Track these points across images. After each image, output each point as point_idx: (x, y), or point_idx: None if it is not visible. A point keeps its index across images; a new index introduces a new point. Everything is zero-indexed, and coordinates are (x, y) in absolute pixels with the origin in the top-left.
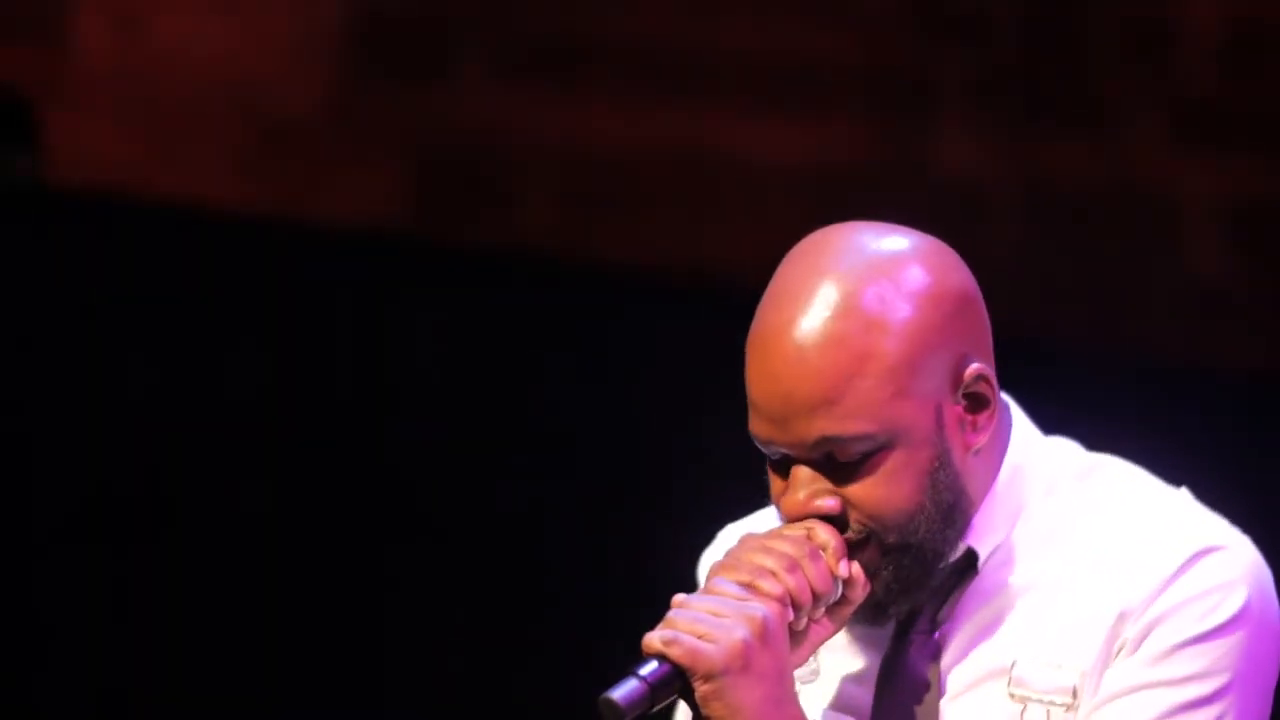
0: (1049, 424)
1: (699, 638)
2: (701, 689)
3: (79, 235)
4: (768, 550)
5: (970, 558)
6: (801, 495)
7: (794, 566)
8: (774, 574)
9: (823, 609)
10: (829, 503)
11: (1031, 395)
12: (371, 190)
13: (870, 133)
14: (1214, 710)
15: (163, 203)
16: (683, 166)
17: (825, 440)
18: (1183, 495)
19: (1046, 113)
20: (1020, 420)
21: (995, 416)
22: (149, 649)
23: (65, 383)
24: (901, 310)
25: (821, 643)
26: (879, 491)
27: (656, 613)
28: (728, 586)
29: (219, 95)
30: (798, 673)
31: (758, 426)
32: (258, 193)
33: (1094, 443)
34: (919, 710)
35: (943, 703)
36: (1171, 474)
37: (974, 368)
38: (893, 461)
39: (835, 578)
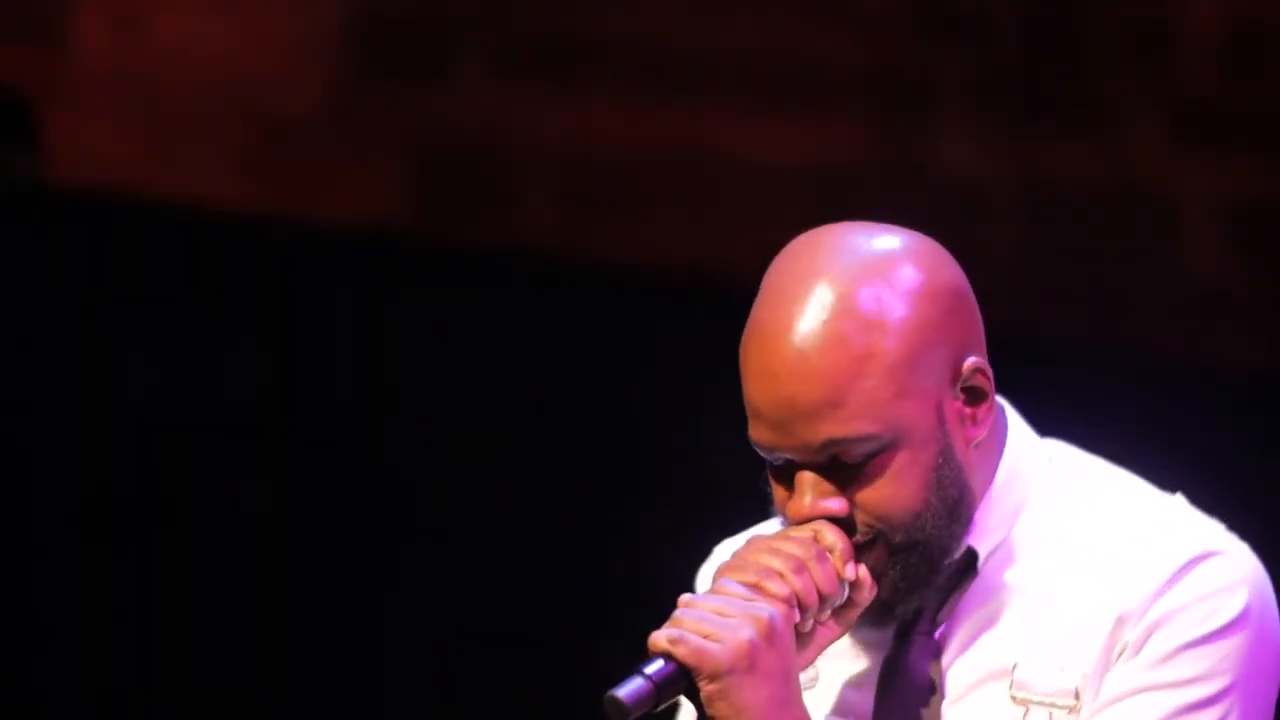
0: (1049, 424)
1: (705, 637)
2: (707, 689)
3: (79, 235)
4: (774, 551)
5: (970, 557)
6: (807, 499)
7: (801, 568)
8: (781, 575)
9: (829, 611)
10: (836, 505)
11: (1031, 395)
12: (371, 190)
13: (870, 133)
14: (1216, 712)
15: (163, 203)
16: (683, 166)
17: (831, 443)
18: (1178, 501)
19: (1046, 113)
20: (1016, 422)
21: (994, 408)
22: (149, 649)
23: (65, 383)
24: (898, 309)
25: (827, 645)
26: (885, 492)
27: (656, 613)
28: (734, 587)
29: (219, 95)
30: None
31: (760, 433)
32: (258, 193)
33: (1094, 443)
34: (921, 712)
35: (944, 705)
36: (1172, 474)
37: (971, 361)
38: (897, 461)
39: (842, 580)
